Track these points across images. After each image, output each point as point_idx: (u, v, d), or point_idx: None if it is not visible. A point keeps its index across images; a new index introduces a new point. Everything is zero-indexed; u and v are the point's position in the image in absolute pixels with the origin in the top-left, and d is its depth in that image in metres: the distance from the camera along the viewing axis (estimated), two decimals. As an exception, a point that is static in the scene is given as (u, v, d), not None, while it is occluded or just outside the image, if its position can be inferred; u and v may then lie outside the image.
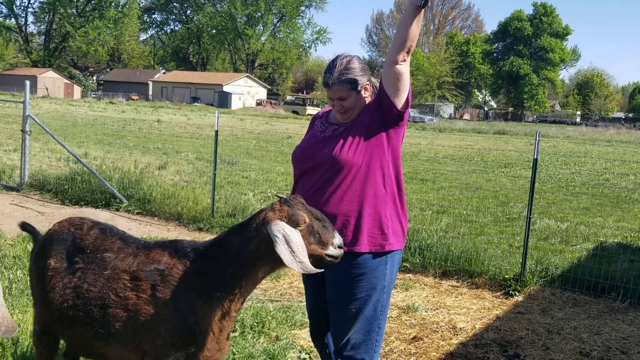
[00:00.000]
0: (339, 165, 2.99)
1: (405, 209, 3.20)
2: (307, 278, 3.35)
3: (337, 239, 2.68)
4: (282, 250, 2.48)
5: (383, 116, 3.00)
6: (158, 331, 2.67)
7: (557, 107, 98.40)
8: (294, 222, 2.58)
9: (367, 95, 3.09)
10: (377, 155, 3.01)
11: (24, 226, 3.43)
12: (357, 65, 3.04)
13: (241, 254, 2.65)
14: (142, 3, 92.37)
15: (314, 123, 3.31)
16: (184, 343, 2.67)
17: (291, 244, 2.51)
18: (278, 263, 2.62)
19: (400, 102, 2.96)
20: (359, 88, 3.03)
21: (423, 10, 2.83)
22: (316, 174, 3.03)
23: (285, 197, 2.68)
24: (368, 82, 3.07)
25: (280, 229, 2.53)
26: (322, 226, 2.66)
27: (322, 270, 2.60)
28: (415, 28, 2.84)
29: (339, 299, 3.09)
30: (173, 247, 2.83)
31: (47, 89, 68.13)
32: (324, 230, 2.65)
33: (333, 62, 3.06)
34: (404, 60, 2.89)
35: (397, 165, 3.11)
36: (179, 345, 2.67)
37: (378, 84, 3.08)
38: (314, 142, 3.13)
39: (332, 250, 2.66)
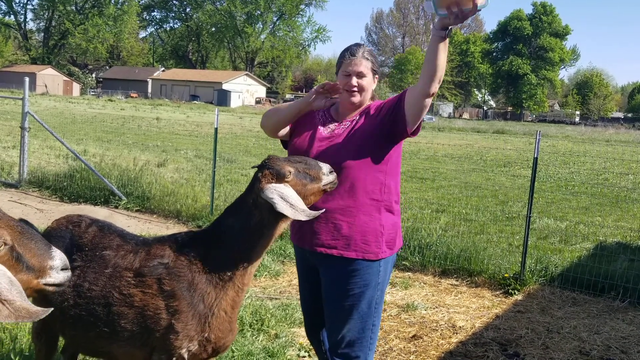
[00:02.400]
0: (338, 169, 2.94)
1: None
2: (302, 276, 3.34)
3: (325, 167, 2.79)
4: (283, 207, 2.61)
5: (392, 132, 2.99)
6: (169, 325, 2.67)
7: (556, 107, 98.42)
8: (280, 177, 2.68)
9: (371, 90, 3.12)
10: (376, 164, 3.00)
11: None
12: (374, 53, 3.17)
13: (245, 230, 2.72)
14: (142, 0, 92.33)
15: (314, 113, 3.24)
16: (197, 332, 2.68)
17: (288, 199, 2.63)
18: (283, 221, 2.74)
19: (413, 126, 2.96)
20: (373, 72, 3.09)
21: (448, 38, 2.74)
22: None
23: (260, 163, 2.76)
24: (377, 76, 3.14)
25: (273, 190, 2.64)
26: (306, 165, 2.76)
27: (324, 210, 2.76)
28: (443, 57, 2.74)
29: (334, 296, 3.09)
30: (173, 240, 2.85)
31: (46, 86, 68.02)
32: (310, 168, 2.76)
33: (357, 43, 3.15)
34: (436, 92, 2.87)
35: (396, 174, 3.12)
36: (193, 335, 2.68)
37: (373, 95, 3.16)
38: (314, 141, 3.10)
39: (327, 179, 2.78)
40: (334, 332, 3.12)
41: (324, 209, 2.75)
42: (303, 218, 2.62)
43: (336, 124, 3.12)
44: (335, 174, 2.82)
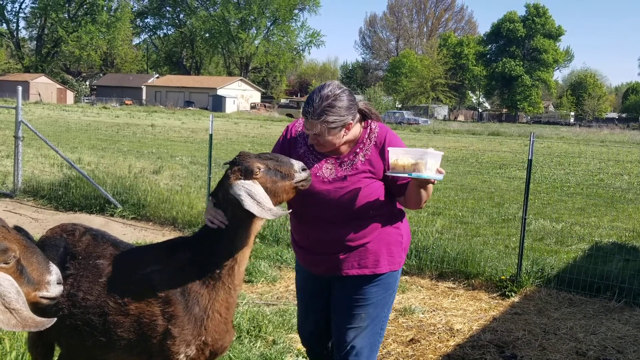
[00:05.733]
0: (353, 210, 2.93)
1: None
2: (313, 298, 3.23)
3: (297, 165, 2.73)
4: (249, 205, 2.58)
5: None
6: (165, 331, 2.67)
7: (551, 108, 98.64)
8: (249, 174, 2.66)
9: (352, 126, 2.94)
10: (385, 187, 2.99)
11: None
12: (344, 104, 2.81)
13: (229, 224, 2.71)
14: (135, 7, 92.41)
15: (295, 140, 3.08)
16: (193, 336, 2.68)
17: (255, 196, 2.60)
18: (254, 218, 2.70)
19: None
20: (338, 128, 2.84)
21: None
22: (327, 213, 2.95)
23: (231, 160, 2.75)
24: (351, 122, 2.88)
25: (240, 187, 2.62)
26: (277, 162, 2.72)
27: (291, 210, 2.75)
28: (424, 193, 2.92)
29: (352, 307, 3.06)
30: (164, 247, 2.87)
31: (39, 94, 67.82)
32: (281, 165, 2.71)
33: (319, 93, 2.81)
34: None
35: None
36: (190, 340, 2.68)
37: (367, 108, 3.00)
38: (316, 185, 2.92)
39: (299, 176, 2.72)
40: (346, 340, 3.09)
41: (291, 210, 2.70)
42: (269, 217, 2.59)
43: (333, 161, 2.97)
44: (308, 171, 2.75)
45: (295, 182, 2.72)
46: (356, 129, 2.94)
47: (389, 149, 2.83)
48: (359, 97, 3.18)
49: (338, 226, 2.94)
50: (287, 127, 3.16)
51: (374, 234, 2.99)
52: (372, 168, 2.94)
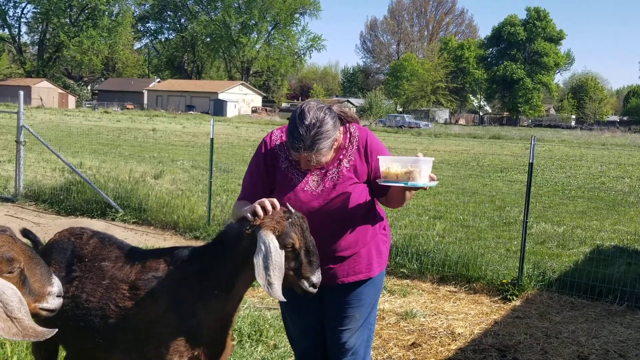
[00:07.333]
0: (344, 219, 2.92)
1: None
2: (303, 309, 3.14)
3: (316, 278, 2.60)
4: (257, 262, 2.45)
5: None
6: (161, 338, 2.66)
7: (552, 111, 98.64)
8: (281, 241, 2.52)
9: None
10: (369, 190, 2.99)
11: (26, 233, 3.40)
12: (330, 125, 2.75)
13: (236, 247, 2.64)
14: (136, 12, 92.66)
15: (275, 155, 2.99)
16: (187, 348, 2.67)
17: (269, 260, 2.45)
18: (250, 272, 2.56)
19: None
20: (330, 148, 2.80)
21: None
22: (318, 226, 2.84)
23: (293, 211, 2.61)
24: (338, 136, 2.86)
25: (267, 241, 2.48)
26: (308, 260, 2.58)
27: (285, 300, 2.52)
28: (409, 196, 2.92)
29: (345, 310, 3.06)
30: (169, 254, 2.85)
31: (41, 99, 68.01)
32: (307, 264, 2.58)
33: (303, 124, 2.72)
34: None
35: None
36: (183, 351, 2.67)
37: (342, 112, 2.96)
38: (304, 201, 2.89)
39: (305, 285, 2.60)
40: (341, 341, 3.09)
41: (285, 300, 2.53)
42: (262, 286, 2.45)
43: (318, 172, 2.92)
44: (316, 289, 2.62)
45: (299, 285, 2.61)
46: (339, 137, 2.90)
47: (378, 157, 2.79)
48: (357, 104, 3.04)
49: (329, 238, 2.91)
50: (264, 140, 3.05)
51: (366, 239, 3.00)
52: (357, 173, 2.93)
